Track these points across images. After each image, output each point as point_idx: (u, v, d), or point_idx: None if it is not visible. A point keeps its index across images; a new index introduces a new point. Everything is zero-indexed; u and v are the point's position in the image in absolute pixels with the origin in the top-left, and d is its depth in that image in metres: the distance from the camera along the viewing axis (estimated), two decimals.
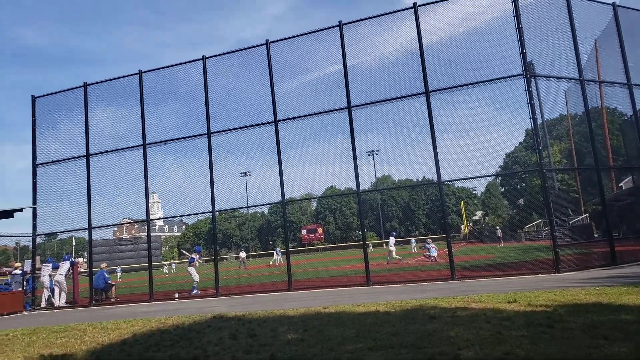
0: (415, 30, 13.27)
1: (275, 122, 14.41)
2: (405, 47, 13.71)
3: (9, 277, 18.70)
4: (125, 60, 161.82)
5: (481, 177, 13.02)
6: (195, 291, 15.80)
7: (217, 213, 15.03)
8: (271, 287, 15.63)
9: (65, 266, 16.48)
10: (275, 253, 40.47)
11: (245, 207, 17.77)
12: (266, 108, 14.57)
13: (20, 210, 14.98)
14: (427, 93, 13.14)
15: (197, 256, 17.41)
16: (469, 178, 12.78)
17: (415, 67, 13.32)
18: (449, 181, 13.44)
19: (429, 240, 24.02)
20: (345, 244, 75.71)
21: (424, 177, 25.36)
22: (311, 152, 14.51)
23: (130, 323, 8.90)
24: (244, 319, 8.11)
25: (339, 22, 14.02)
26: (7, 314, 14.43)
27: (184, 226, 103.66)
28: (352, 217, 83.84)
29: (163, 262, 67.12)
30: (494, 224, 58.87)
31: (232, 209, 17.25)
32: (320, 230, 76.01)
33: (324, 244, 75.70)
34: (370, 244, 54.99)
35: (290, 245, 15.48)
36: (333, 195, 57.38)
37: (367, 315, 7.46)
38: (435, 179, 13.14)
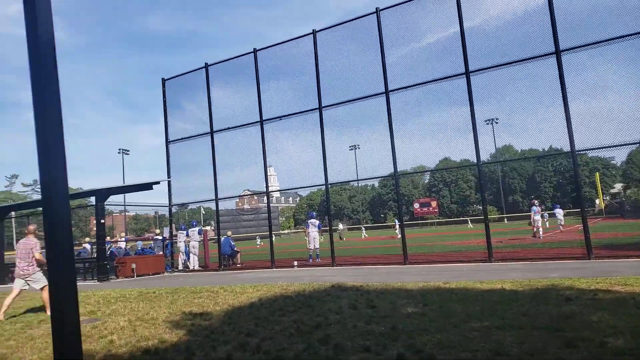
0: None
1: (387, 92, 14.05)
2: (527, 3, 12.37)
3: (152, 242, 21.15)
4: (241, 40, 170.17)
5: (623, 145, 11.38)
6: (313, 259, 16.42)
7: (329, 186, 15.30)
8: (386, 259, 15.60)
9: (195, 233, 18.15)
10: (395, 225, 40.22)
11: (356, 180, 17.79)
12: (376, 79, 14.22)
13: (158, 183, 16.79)
14: (557, 53, 11.75)
15: (316, 222, 17.69)
16: (608, 147, 11.22)
17: (542, 24, 11.99)
18: (584, 150, 12.01)
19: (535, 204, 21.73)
20: (461, 217, 72.93)
21: (550, 146, 23.03)
22: (424, 122, 13.90)
23: (256, 288, 9.51)
24: (362, 290, 8.18)
25: None
26: (152, 274, 16.45)
27: (298, 198, 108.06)
28: (469, 190, 79.79)
29: (280, 232, 70.90)
30: (638, 197, 51.90)
31: (343, 182, 17.41)
32: (434, 203, 73.92)
33: (438, 218, 73.71)
34: (469, 220, 52.49)
35: (403, 218, 15.22)
36: (449, 167, 54.92)
37: (491, 292, 7.05)
38: (565, 148, 11.85)
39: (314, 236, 17.10)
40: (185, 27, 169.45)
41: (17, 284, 9.07)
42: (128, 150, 60.50)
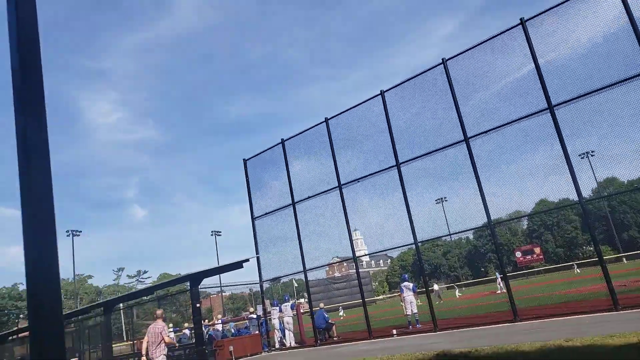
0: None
1: (466, 139, 13.51)
2: (607, 27, 11.57)
3: (247, 322, 21.22)
4: (313, 115, 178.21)
5: None
6: (413, 325, 15.46)
7: (419, 243, 14.60)
8: (493, 317, 14.21)
9: (287, 307, 17.92)
10: (497, 278, 37.40)
11: (447, 235, 16.88)
12: (452, 129, 13.86)
13: (247, 260, 17.08)
14: None
15: (410, 284, 16.85)
16: None
17: (626, 47, 11.13)
18: None
19: None
20: (570, 262, 66.45)
21: None
22: (512, 166, 13.05)
23: None
24: (471, 357, 7.33)
25: (520, 19, 12.69)
26: (250, 355, 16.26)
27: (389, 260, 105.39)
28: (575, 231, 73.44)
29: (375, 297, 68.69)
30: None
31: (433, 238, 16.60)
32: (538, 250, 68.11)
33: (545, 265, 67.77)
34: (575, 265, 47.05)
35: (505, 270, 13.96)
36: (548, 210, 51.09)
37: (626, 348, 5.95)
38: None
39: (410, 300, 16.17)
40: (263, 110, 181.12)
41: None
42: (220, 232, 63.39)
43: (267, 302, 20.69)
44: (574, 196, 11.93)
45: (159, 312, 10.88)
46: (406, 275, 18.37)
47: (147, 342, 10.42)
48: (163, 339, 10.32)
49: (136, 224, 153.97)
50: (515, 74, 13.15)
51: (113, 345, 19.06)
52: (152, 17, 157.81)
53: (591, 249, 69.92)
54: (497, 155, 13.34)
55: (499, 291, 32.47)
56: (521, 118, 12.62)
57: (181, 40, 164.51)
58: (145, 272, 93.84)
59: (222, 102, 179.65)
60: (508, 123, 12.85)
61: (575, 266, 47.87)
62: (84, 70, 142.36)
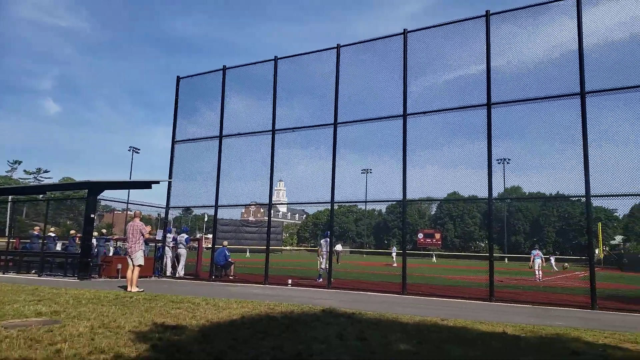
0: (576, 25, 11.60)
1: (405, 115, 13.65)
2: (559, 44, 12.06)
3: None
4: (264, 53, 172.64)
5: (633, 195, 10.85)
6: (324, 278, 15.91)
7: (335, 205, 14.82)
8: (383, 287, 14.99)
9: (183, 238, 17.65)
10: (392, 253, 39.54)
11: (363, 202, 17.30)
12: (395, 103, 13.93)
13: (157, 182, 16.33)
14: (582, 94, 11.39)
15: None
16: (621, 195, 10.78)
17: (569, 66, 11.72)
18: (599, 196, 11.47)
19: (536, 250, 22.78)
20: (463, 253, 71.92)
21: (557, 191, 22.91)
22: (436, 153, 13.51)
23: (241, 304, 8.96)
24: (354, 318, 7.63)
25: (486, 11, 12.79)
26: (138, 278, 15.80)
27: (304, 215, 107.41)
28: (474, 226, 79.41)
29: (282, 247, 70.02)
30: (636, 251, 51.66)
31: (350, 202, 16.94)
32: (438, 235, 73.05)
33: (440, 250, 72.79)
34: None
35: (406, 247, 14.67)
36: (460, 199, 54.53)
37: (492, 336, 6.48)
38: (576, 193, 11.50)
39: (325, 255, 16.59)
40: (210, 35, 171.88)
41: (129, 261, 12.01)
42: (139, 149, 60.42)
43: (174, 229, 20.22)
44: (482, 194, 12.61)
45: (137, 212, 13.26)
46: (328, 232, 18.70)
47: (128, 239, 12.09)
48: (142, 234, 12.13)
49: (46, 118, 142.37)
50: (466, 67, 13.39)
51: None
52: None
53: (482, 244, 76.20)
54: (426, 140, 13.72)
55: (394, 264, 34.45)
56: (460, 108, 12.94)
57: None
58: (46, 171, 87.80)
59: (170, 13, 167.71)
60: (446, 109, 13.15)
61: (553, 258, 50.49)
62: None
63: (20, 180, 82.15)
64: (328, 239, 16.91)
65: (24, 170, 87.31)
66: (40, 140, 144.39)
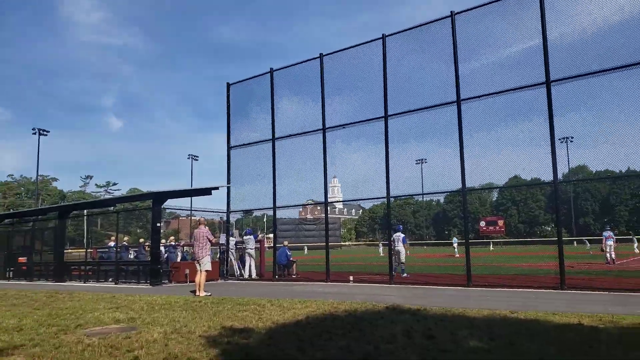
0: None
1: (458, 101, 13.16)
2: (620, 8, 11.11)
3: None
4: (310, 50, 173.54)
5: None
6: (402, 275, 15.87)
7: (392, 199, 14.62)
8: (447, 279, 14.63)
9: (251, 240, 18.04)
10: (454, 243, 38.58)
11: (420, 195, 16.93)
12: (447, 90, 13.44)
13: (217, 188, 16.84)
14: None
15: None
16: None
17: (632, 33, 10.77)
18: None
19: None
20: (530, 239, 68.88)
21: (628, 168, 20.96)
22: (495, 137, 12.84)
23: (305, 304, 9.03)
24: (419, 315, 7.47)
25: None
26: (206, 281, 16.37)
27: (361, 210, 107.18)
28: (539, 210, 75.83)
29: (340, 243, 70.20)
30: None
31: (407, 195, 16.64)
32: (501, 222, 70.48)
33: (504, 238, 70.17)
34: (587, 241, 47.85)
35: (468, 236, 14.20)
36: (522, 184, 52.22)
37: (567, 328, 6.12)
38: None
39: (399, 250, 16.54)
40: (257, 38, 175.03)
41: (197, 266, 12.32)
42: (197, 156, 62.68)
43: (236, 231, 20.77)
44: (546, 177, 11.93)
45: (201, 219, 14.07)
46: (401, 226, 18.42)
47: (195, 246, 12.44)
48: (209, 239, 12.39)
49: (110, 134, 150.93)
50: (520, 43, 12.69)
51: (71, 251, 18.97)
52: None
53: (549, 228, 72.55)
54: (483, 124, 13.14)
55: (457, 255, 33.52)
56: (518, 88, 12.30)
57: None
58: (115, 184, 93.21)
59: (217, 22, 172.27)
60: (502, 92, 12.52)
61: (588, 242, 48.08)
62: None
63: (93, 193, 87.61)
64: (399, 234, 16.73)
65: (96, 184, 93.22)
66: (106, 155, 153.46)
